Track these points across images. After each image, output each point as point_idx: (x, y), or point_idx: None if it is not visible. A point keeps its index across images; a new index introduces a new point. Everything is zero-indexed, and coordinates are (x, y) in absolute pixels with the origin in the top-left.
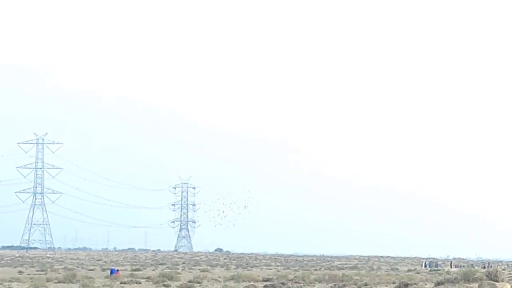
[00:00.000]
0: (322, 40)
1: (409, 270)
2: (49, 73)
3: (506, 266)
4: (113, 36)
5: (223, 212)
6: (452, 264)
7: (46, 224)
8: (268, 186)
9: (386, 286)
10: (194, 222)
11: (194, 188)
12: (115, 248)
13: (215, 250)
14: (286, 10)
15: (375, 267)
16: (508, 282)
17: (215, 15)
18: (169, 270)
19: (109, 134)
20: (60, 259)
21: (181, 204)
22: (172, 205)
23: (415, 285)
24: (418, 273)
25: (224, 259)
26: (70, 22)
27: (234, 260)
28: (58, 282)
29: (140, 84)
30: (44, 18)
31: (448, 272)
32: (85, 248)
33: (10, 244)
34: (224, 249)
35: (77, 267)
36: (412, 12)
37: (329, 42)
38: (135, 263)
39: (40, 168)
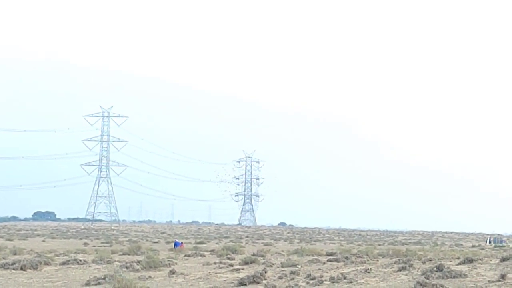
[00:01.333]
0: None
1: (473, 246)
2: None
3: None
4: (171, 24)
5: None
6: None
7: (111, 197)
8: (331, 165)
9: (451, 261)
10: (258, 196)
11: (258, 162)
12: (179, 221)
13: (279, 224)
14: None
15: (439, 242)
16: None
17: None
18: (233, 243)
19: (174, 111)
20: (125, 232)
21: (245, 178)
22: (236, 178)
23: (480, 261)
24: (482, 249)
25: (288, 233)
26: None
27: (297, 234)
28: (123, 254)
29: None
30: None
31: None
32: (149, 221)
33: (75, 216)
34: (288, 223)
35: (142, 239)
36: None
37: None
38: (199, 236)
39: (106, 141)
